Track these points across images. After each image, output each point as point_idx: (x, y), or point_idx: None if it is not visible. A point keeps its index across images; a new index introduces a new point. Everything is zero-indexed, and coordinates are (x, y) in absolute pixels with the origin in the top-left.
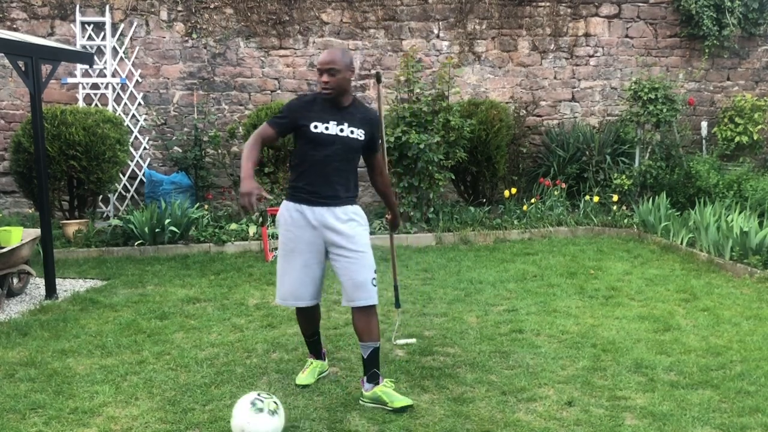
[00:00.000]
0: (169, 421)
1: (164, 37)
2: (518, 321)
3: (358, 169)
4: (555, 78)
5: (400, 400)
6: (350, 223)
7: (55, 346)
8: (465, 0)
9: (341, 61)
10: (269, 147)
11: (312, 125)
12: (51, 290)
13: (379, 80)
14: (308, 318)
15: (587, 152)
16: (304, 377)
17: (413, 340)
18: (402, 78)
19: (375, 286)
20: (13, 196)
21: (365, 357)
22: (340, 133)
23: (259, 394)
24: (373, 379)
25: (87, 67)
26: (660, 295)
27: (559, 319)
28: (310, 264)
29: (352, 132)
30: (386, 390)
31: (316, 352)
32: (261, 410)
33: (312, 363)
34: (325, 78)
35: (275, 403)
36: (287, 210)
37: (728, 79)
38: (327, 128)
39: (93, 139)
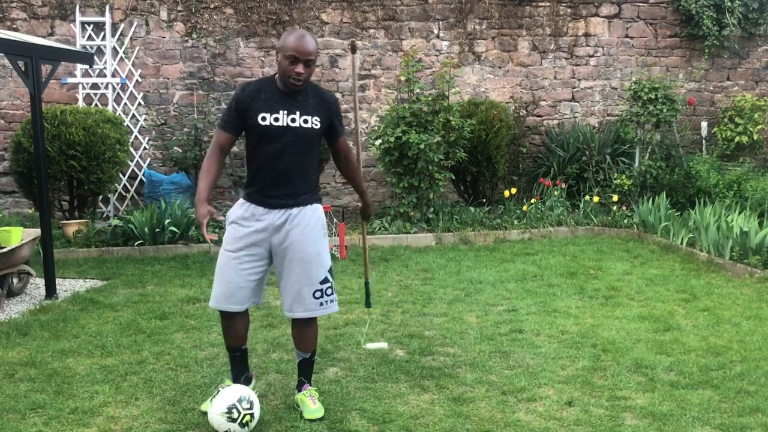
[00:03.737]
0: (169, 421)
1: (164, 37)
2: (518, 321)
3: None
4: (555, 78)
5: (311, 412)
6: (299, 229)
7: (55, 346)
8: (465, 0)
9: (317, 52)
10: None
11: (259, 117)
12: (51, 290)
13: (354, 50)
14: (239, 325)
15: (587, 152)
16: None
17: (384, 345)
18: (402, 78)
19: (318, 298)
20: (13, 196)
21: (297, 363)
22: (291, 124)
23: (240, 401)
24: (299, 385)
25: (87, 67)
26: (660, 295)
27: (559, 319)
28: (251, 268)
29: (305, 121)
30: (305, 399)
31: (236, 374)
32: (233, 420)
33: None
34: (300, 68)
35: (251, 415)
36: (240, 207)
37: (728, 79)
38: (276, 119)
39: (93, 139)
